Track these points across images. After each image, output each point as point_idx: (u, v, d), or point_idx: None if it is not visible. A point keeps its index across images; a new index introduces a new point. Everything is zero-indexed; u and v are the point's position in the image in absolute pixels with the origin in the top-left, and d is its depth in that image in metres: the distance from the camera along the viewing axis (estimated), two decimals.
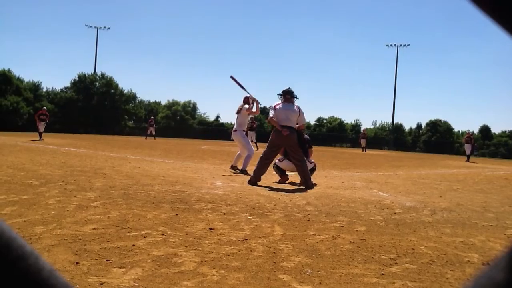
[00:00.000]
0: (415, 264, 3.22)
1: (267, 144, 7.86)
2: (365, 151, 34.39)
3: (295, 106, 7.84)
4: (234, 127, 9.82)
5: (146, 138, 32.84)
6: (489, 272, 0.28)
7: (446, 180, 10.70)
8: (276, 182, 8.08)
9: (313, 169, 8.37)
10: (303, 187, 7.39)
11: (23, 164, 8.36)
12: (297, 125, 7.86)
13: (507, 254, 0.28)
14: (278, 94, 7.92)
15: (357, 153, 31.39)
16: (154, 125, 35.13)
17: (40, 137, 21.29)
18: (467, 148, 25.60)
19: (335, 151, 32.59)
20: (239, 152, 9.91)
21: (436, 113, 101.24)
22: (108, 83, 50.30)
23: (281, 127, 7.53)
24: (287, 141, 7.61)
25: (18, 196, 4.96)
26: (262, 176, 7.66)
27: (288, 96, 7.88)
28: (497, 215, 5.63)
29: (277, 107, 7.77)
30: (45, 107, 24.77)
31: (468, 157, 25.65)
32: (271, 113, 7.76)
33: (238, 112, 9.78)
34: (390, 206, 5.83)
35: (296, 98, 7.95)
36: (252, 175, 7.64)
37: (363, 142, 34.93)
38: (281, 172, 8.32)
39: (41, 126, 21.71)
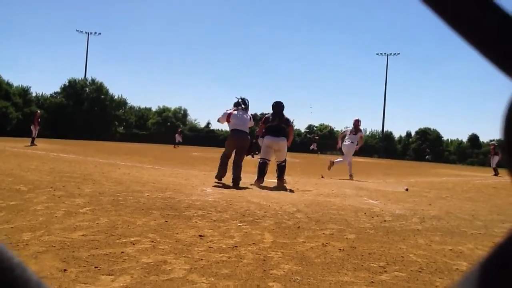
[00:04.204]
0: (405, 272, 3.23)
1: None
2: (175, 146, 35.17)
3: (247, 114, 8.99)
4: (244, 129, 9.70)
5: (175, 147, 34.60)
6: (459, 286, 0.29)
7: (435, 188, 10.78)
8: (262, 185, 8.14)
9: (284, 167, 9.02)
10: (289, 192, 7.46)
11: (11, 170, 8.27)
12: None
13: (476, 269, 0.28)
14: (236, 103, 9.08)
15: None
16: (181, 134, 36.59)
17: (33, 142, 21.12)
18: (494, 160, 22.03)
19: (326, 159, 32.66)
20: None
21: (426, 122, 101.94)
22: (99, 89, 50.19)
23: (236, 131, 8.66)
24: (240, 143, 8.69)
25: (5, 202, 4.90)
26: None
27: (243, 106, 9.02)
28: (486, 223, 5.68)
29: (233, 113, 8.85)
30: (38, 111, 24.45)
31: (495, 169, 21.71)
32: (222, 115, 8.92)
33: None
34: (380, 214, 5.85)
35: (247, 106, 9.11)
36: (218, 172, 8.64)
37: (314, 145, 34.83)
38: (261, 174, 8.89)
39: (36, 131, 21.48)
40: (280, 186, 8.73)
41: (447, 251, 4.00)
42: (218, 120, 9.03)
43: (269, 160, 9.09)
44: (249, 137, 8.88)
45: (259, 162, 9.09)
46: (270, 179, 9.26)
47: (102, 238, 3.63)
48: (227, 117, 8.75)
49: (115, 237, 3.69)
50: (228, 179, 8.41)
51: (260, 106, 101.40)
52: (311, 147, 39.71)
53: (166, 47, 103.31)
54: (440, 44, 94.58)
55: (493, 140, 23.87)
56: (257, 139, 9.96)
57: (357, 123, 12.96)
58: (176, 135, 36.90)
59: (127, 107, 55.64)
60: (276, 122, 9.00)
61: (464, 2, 0.29)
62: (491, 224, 5.70)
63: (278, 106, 9.15)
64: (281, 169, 8.96)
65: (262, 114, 9.90)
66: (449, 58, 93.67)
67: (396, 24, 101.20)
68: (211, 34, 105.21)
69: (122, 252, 3.25)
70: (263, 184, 8.71)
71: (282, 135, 8.98)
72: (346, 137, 12.94)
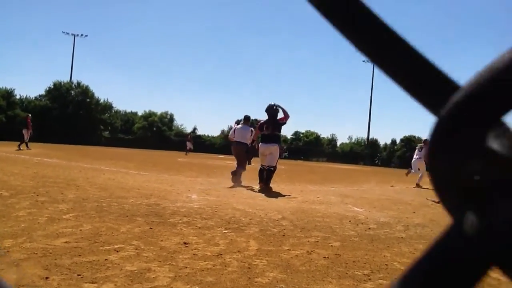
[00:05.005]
0: (389, 280, 3.25)
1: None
2: (186, 154, 33.78)
3: (248, 128, 10.70)
4: (238, 139, 10.62)
5: (186, 154, 33.52)
6: None
7: (420, 195, 10.86)
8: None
9: (272, 172, 9.67)
10: (276, 199, 7.49)
11: None
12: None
13: (410, 270, 0.29)
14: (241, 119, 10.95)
15: (334, 167, 31.64)
16: (192, 141, 36.17)
17: (27, 146, 20.89)
18: None
19: (312, 166, 32.81)
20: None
21: (411, 130, 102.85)
22: (84, 92, 49.78)
23: (235, 142, 10.58)
24: (237, 150, 10.55)
25: None
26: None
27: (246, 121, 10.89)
28: None
29: (236, 127, 10.88)
30: (30, 115, 24.04)
31: None
32: (231, 132, 11.11)
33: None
34: (365, 222, 5.88)
35: (252, 122, 10.93)
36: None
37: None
38: (261, 179, 9.59)
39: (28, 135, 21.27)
40: (265, 190, 9.12)
41: None
42: (229, 138, 11.15)
43: (267, 166, 9.67)
44: (246, 145, 10.48)
45: (259, 168, 9.83)
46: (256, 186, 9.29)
47: (85, 245, 3.59)
48: (233, 132, 10.83)
49: (98, 244, 3.66)
50: (217, 183, 8.41)
51: (247, 109, 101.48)
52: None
53: (153, 51, 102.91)
54: (424, 53, 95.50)
55: None
56: (253, 143, 10.54)
57: (426, 142, 14.98)
58: (187, 141, 36.10)
59: (113, 111, 55.25)
60: (269, 131, 9.64)
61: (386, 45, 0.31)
62: None
63: (270, 111, 9.74)
64: (269, 174, 9.51)
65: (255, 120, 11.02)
66: (439, 60, 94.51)
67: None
68: (198, 38, 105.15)
69: (106, 259, 3.22)
70: (248, 188, 8.81)
71: (274, 142, 9.66)
72: (415, 153, 15.32)
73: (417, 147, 15.57)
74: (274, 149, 9.58)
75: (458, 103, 0.27)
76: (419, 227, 5.80)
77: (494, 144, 0.27)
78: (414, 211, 7.37)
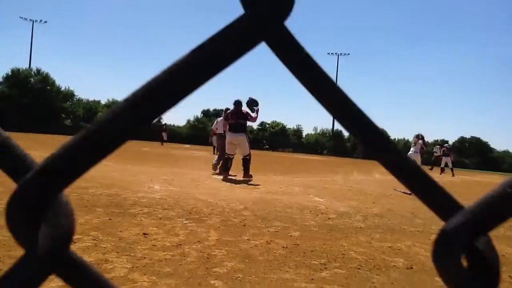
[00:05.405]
0: (344, 269, 3.34)
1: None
2: (162, 144, 34.25)
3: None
4: (221, 131, 11.21)
5: (162, 144, 33.29)
6: None
7: (381, 186, 11.13)
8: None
9: (247, 161, 10.06)
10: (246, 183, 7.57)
11: None
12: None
13: None
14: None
15: (299, 158, 31.92)
16: (166, 131, 35.52)
17: None
18: (444, 161, 23.98)
19: (277, 156, 32.99)
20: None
21: (375, 121, 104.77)
22: (44, 80, 48.22)
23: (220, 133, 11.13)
24: (220, 142, 10.93)
25: None
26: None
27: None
28: (425, 221, 5.94)
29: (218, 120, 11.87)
30: None
31: (442, 169, 23.87)
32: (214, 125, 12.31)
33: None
34: (325, 212, 6.00)
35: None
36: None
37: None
38: (225, 168, 9.93)
39: None
40: (245, 178, 9.64)
41: (386, 248, 4.16)
42: (213, 129, 12.29)
43: (232, 155, 10.01)
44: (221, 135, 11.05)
45: (225, 157, 10.09)
46: (227, 175, 9.29)
47: None
48: (215, 124, 11.74)
49: None
50: (181, 173, 8.34)
51: (214, 98, 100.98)
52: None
53: (116, 39, 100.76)
54: (389, 45, 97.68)
55: (447, 143, 25.57)
56: (224, 133, 10.76)
57: (415, 138, 16.80)
58: (163, 132, 35.30)
59: (75, 99, 53.87)
60: (234, 120, 9.90)
61: None
62: (429, 222, 5.96)
63: (236, 105, 10.06)
64: (245, 163, 9.92)
65: (227, 108, 11.20)
66: (396, 60, 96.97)
67: (348, 25, 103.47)
68: (162, 25, 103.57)
69: None
70: (219, 177, 8.90)
71: (240, 131, 9.90)
72: (411, 148, 16.61)
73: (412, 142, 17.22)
74: (241, 139, 9.85)
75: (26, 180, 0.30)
76: (377, 217, 5.96)
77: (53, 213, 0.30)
78: (373, 201, 7.56)
